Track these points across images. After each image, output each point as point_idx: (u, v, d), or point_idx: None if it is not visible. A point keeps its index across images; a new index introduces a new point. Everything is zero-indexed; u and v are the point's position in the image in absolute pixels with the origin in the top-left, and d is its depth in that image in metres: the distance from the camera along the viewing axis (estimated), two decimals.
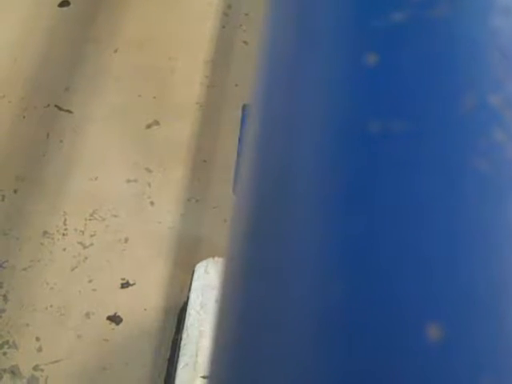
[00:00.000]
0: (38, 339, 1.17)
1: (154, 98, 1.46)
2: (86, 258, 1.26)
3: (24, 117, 1.43)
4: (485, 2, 0.30)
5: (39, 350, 1.16)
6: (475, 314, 0.23)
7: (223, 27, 1.58)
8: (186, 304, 1.15)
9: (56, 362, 1.15)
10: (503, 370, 0.22)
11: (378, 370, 0.23)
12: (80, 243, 1.27)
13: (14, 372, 1.14)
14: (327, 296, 0.25)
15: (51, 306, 1.20)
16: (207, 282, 1.14)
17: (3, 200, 1.32)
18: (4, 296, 1.21)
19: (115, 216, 1.31)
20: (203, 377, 1.02)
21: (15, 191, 1.33)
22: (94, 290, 1.23)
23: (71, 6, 1.60)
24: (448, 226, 0.24)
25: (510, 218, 0.24)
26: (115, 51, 1.53)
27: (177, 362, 1.08)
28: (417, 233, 0.24)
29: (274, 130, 0.33)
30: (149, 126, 1.42)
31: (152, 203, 1.33)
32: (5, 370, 1.14)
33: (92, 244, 1.28)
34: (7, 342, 1.17)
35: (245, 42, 1.55)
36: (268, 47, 0.38)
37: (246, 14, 1.59)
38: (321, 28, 0.33)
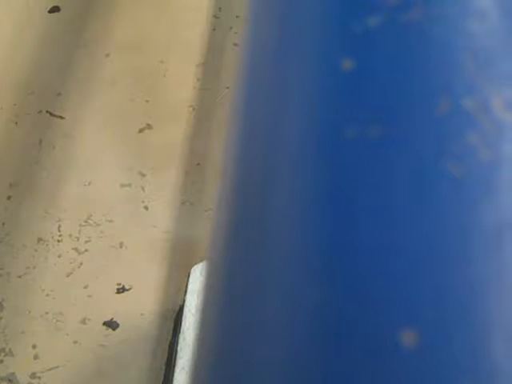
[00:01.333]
0: (34, 346, 1.17)
1: (147, 101, 1.46)
2: (82, 264, 1.26)
3: (16, 123, 1.42)
4: (459, 6, 0.30)
5: (36, 357, 1.16)
6: (451, 319, 0.23)
7: (214, 30, 1.58)
8: (182, 307, 1.15)
9: (53, 368, 1.15)
10: (481, 374, 0.22)
11: (354, 375, 0.23)
12: (75, 249, 1.27)
13: (11, 380, 1.14)
14: (304, 299, 0.25)
15: (47, 312, 1.20)
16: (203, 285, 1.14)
17: None
18: None
19: (110, 221, 1.31)
20: None
21: (8, 198, 1.33)
22: (89, 295, 1.23)
23: (61, 11, 1.60)
24: (422, 229, 0.24)
25: (483, 222, 0.24)
26: (107, 56, 1.53)
27: (174, 365, 1.08)
28: (392, 237, 0.24)
29: (253, 134, 0.33)
30: (142, 130, 1.42)
31: (146, 207, 1.33)
32: (2, 379, 1.14)
33: (87, 250, 1.28)
34: (3, 350, 1.17)
35: (236, 45, 1.55)
36: (248, 50, 0.38)
37: (237, 17, 1.59)
38: (298, 32, 0.33)
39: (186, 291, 1.16)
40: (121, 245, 1.28)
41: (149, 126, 1.43)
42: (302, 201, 0.28)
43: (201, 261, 1.18)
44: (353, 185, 0.26)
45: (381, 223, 0.25)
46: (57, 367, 1.15)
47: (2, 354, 1.16)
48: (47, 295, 1.22)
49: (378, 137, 0.27)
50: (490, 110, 0.26)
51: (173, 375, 1.07)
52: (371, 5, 0.30)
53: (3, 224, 1.30)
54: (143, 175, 1.36)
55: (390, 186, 0.26)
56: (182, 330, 1.11)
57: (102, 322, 1.20)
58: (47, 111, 1.44)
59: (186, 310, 1.13)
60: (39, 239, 1.28)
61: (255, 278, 0.28)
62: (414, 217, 0.25)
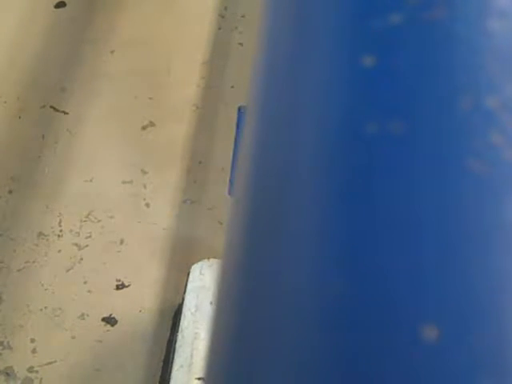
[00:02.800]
0: (32, 340, 1.17)
1: (150, 99, 1.46)
2: (82, 260, 1.26)
3: (20, 117, 1.42)
4: (481, 4, 0.30)
5: (34, 351, 1.16)
6: (472, 315, 0.23)
7: (219, 29, 1.58)
8: (181, 305, 1.15)
9: (51, 363, 1.15)
10: (502, 370, 0.22)
11: (374, 370, 0.23)
12: (75, 244, 1.27)
13: (8, 373, 1.14)
14: (323, 296, 0.25)
15: (46, 307, 1.20)
16: (202, 284, 1.14)
17: None
18: None
19: (110, 217, 1.31)
20: (198, 378, 1.02)
21: (10, 192, 1.33)
22: (89, 291, 1.23)
23: (67, 7, 1.60)
24: (444, 226, 0.24)
25: (505, 219, 0.24)
26: (111, 52, 1.53)
27: (172, 363, 1.08)
28: (413, 233, 0.25)
29: (271, 132, 0.33)
30: (144, 128, 1.42)
31: (147, 204, 1.33)
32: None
33: (87, 245, 1.28)
34: (2, 344, 1.16)
35: (241, 44, 1.55)
36: (265, 48, 0.38)
37: (242, 16, 1.59)
38: (318, 29, 0.33)
39: (185, 289, 1.16)
40: (121, 241, 1.28)
41: (152, 124, 1.43)
42: (321, 197, 0.28)
43: (201, 259, 1.19)
44: (373, 180, 0.27)
45: (401, 219, 0.25)
46: (54, 362, 1.15)
47: (0, 348, 1.16)
48: (46, 290, 1.22)
49: (400, 133, 0.27)
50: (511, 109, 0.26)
51: (170, 373, 1.07)
52: (393, 2, 0.30)
53: (4, 218, 1.30)
54: (145, 172, 1.36)
55: (411, 183, 0.26)
56: (180, 328, 1.10)
57: (101, 317, 1.20)
58: (51, 106, 1.44)
59: (184, 308, 1.13)
60: (40, 234, 1.28)
61: (271, 278, 0.28)
62: (436, 213, 0.25)
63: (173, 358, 1.08)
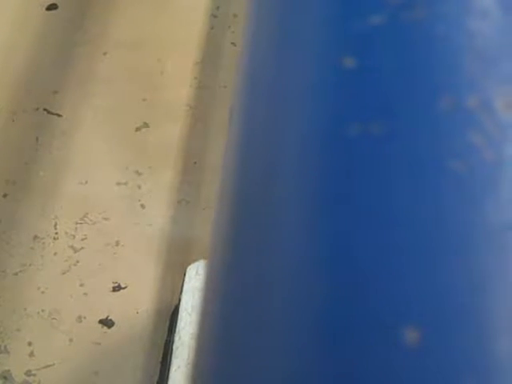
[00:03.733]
0: (29, 344, 1.17)
1: (144, 100, 1.46)
2: (78, 262, 1.26)
3: (13, 120, 1.42)
4: (462, 4, 0.30)
5: (31, 354, 1.16)
6: (452, 316, 0.23)
7: (212, 28, 1.58)
8: (177, 306, 1.15)
9: (48, 366, 1.15)
10: (483, 372, 0.22)
11: (356, 373, 0.23)
12: (71, 247, 1.27)
13: (6, 377, 1.14)
14: (305, 297, 0.25)
15: (43, 310, 1.20)
16: (199, 284, 1.14)
17: None
18: None
19: (106, 219, 1.31)
20: None
21: (5, 195, 1.33)
22: (85, 293, 1.23)
23: (59, 9, 1.59)
24: (424, 227, 0.24)
25: (486, 220, 0.24)
26: (104, 54, 1.53)
27: (169, 364, 1.08)
28: (393, 234, 0.25)
29: (254, 134, 0.33)
30: (138, 129, 1.42)
31: (143, 206, 1.33)
32: None
33: (83, 248, 1.27)
34: None
35: (233, 44, 1.55)
36: (249, 50, 0.38)
37: (235, 16, 1.59)
38: (300, 31, 0.33)
39: (181, 290, 1.16)
40: (117, 243, 1.28)
41: (146, 125, 1.43)
42: (303, 198, 0.28)
43: (197, 260, 1.18)
44: (354, 182, 0.27)
45: (382, 220, 0.25)
46: (52, 365, 1.15)
47: None
48: (43, 293, 1.22)
49: (381, 134, 0.27)
50: (492, 110, 0.26)
51: (168, 374, 1.07)
52: (374, 3, 0.30)
53: None
54: (140, 174, 1.36)
55: (392, 183, 0.26)
56: (177, 329, 1.10)
57: (98, 320, 1.20)
58: (44, 109, 1.44)
59: (181, 309, 1.13)
60: (35, 237, 1.28)
61: (256, 277, 0.28)
62: (415, 214, 0.25)
63: (170, 359, 1.08)
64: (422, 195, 0.25)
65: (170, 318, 1.21)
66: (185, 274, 1.17)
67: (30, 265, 1.25)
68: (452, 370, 0.22)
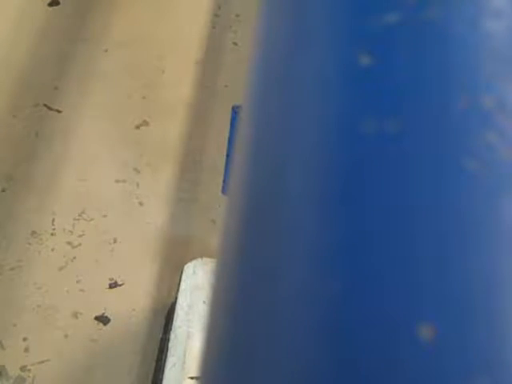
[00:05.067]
0: (25, 339, 1.17)
1: (144, 98, 1.46)
2: (75, 258, 1.26)
3: (13, 116, 1.42)
4: (477, 4, 0.30)
5: (26, 350, 1.16)
6: (469, 314, 0.23)
7: (213, 28, 1.58)
8: (174, 304, 1.15)
9: (43, 362, 1.15)
10: (499, 369, 0.22)
11: (371, 370, 0.23)
12: (68, 243, 1.27)
13: (0, 372, 1.13)
14: (318, 295, 0.25)
15: (39, 306, 1.20)
16: (195, 283, 1.14)
17: None
18: None
19: (104, 216, 1.31)
20: (191, 377, 1.02)
21: (3, 190, 1.33)
22: (81, 290, 1.22)
23: (61, 5, 1.59)
24: (440, 226, 0.24)
25: (501, 219, 0.24)
26: (105, 51, 1.53)
27: (164, 362, 1.08)
28: (408, 233, 0.25)
29: (267, 130, 0.33)
30: (138, 127, 1.42)
31: (141, 203, 1.33)
32: None
33: (80, 244, 1.27)
34: None
35: (235, 43, 1.55)
36: (261, 46, 0.38)
37: (237, 15, 1.59)
38: (315, 29, 0.33)
39: (178, 288, 1.16)
40: (114, 240, 1.28)
41: (145, 123, 1.43)
42: (316, 196, 0.28)
43: (194, 258, 1.18)
44: (368, 179, 0.27)
45: (398, 217, 0.25)
46: (47, 360, 1.15)
47: None
48: (39, 288, 1.22)
49: (396, 132, 0.27)
50: (509, 109, 0.26)
51: (163, 372, 1.07)
52: (390, 2, 0.30)
53: None
54: (138, 171, 1.36)
55: (406, 181, 0.26)
56: (173, 327, 1.10)
57: (94, 316, 1.20)
58: (44, 105, 1.44)
59: (177, 307, 1.13)
60: (33, 232, 1.28)
61: (267, 273, 0.28)
62: (430, 213, 0.25)
63: (165, 357, 1.08)
64: (438, 194, 0.25)
65: (165, 315, 1.21)
66: (181, 273, 1.17)
67: (26, 260, 1.25)
68: (467, 367, 0.22)
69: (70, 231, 1.28)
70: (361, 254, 0.25)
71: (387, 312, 0.23)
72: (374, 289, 0.24)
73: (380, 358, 0.23)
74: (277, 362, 0.25)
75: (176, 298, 1.14)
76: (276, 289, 0.27)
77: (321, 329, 0.25)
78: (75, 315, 1.20)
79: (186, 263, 1.17)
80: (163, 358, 1.10)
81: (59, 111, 1.44)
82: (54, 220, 1.29)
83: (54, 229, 1.29)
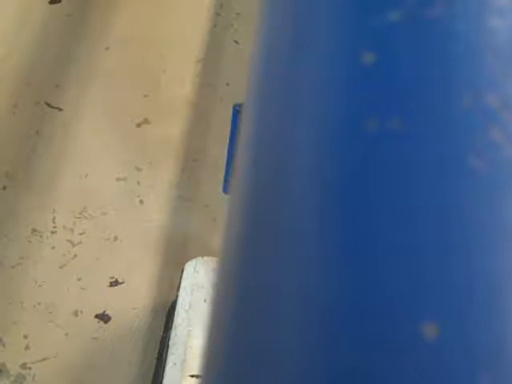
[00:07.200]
0: (25, 337, 1.17)
1: (145, 96, 1.46)
2: (75, 256, 1.26)
3: (14, 113, 1.42)
4: (480, 2, 0.30)
5: (27, 347, 1.16)
6: (472, 313, 0.23)
7: (215, 26, 1.58)
8: (174, 303, 1.15)
9: (44, 359, 1.15)
10: (502, 368, 0.22)
11: (374, 368, 0.23)
12: (69, 241, 1.27)
13: (1, 370, 1.13)
14: (321, 295, 0.25)
15: (39, 303, 1.20)
16: (196, 281, 1.14)
17: None
18: None
19: (104, 214, 1.31)
20: (192, 376, 1.02)
21: (4, 188, 1.33)
22: (82, 288, 1.22)
23: (62, 2, 1.59)
24: (444, 224, 0.24)
25: (505, 218, 0.24)
26: (106, 49, 1.52)
27: (165, 361, 1.08)
28: (412, 232, 0.24)
29: (269, 129, 0.33)
30: (139, 125, 1.42)
31: (141, 202, 1.33)
32: None
33: (81, 242, 1.27)
34: None
35: (236, 42, 1.54)
36: (263, 45, 0.38)
37: (238, 14, 1.59)
38: (317, 26, 0.33)
39: (179, 287, 1.16)
40: (115, 238, 1.28)
41: (146, 121, 1.42)
42: (319, 197, 0.28)
43: (195, 257, 1.18)
44: (373, 178, 0.26)
45: (401, 217, 0.25)
46: (48, 358, 1.15)
47: None
48: (40, 286, 1.22)
49: (399, 130, 0.27)
50: None
51: (164, 371, 1.07)
52: (393, 0, 0.30)
53: None
54: (139, 169, 1.36)
55: (411, 180, 0.26)
56: (174, 326, 1.10)
57: (94, 314, 1.20)
58: (45, 102, 1.44)
59: (178, 305, 1.12)
60: (33, 230, 1.28)
61: (270, 274, 0.28)
62: (435, 211, 0.25)
63: (166, 355, 1.08)
64: (442, 193, 0.25)
65: (166, 314, 1.21)
66: (182, 271, 1.17)
67: (27, 258, 1.25)
68: (470, 365, 0.22)
69: (71, 229, 1.28)
70: (364, 253, 0.25)
71: (391, 311, 0.23)
72: (378, 288, 0.24)
73: (383, 357, 0.23)
74: (278, 362, 0.25)
75: (177, 297, 1.14)
76: (278, 288, 0.27)
77: (323, 328, 0.25)
78: (76, 313, 1.20)
79: (186, 261, 1.17)
80: (164, 356, 1.10)
81: (60, 109, 1.44)
82: (54, 218, 1.29)
83: (54, 227, 1.28)
